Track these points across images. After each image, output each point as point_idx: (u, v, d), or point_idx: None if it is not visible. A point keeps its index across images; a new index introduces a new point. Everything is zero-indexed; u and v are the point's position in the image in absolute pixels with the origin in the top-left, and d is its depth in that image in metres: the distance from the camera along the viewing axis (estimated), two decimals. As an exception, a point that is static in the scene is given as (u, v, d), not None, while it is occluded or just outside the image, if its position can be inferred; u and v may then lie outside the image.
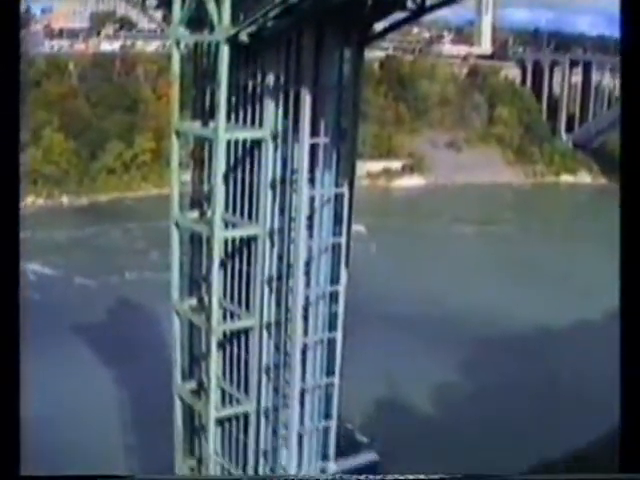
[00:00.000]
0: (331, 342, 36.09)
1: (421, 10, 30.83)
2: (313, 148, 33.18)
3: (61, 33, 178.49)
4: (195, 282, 37.44)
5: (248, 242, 34.39)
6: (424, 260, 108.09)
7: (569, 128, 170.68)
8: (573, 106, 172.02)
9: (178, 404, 38.32)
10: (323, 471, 37.91)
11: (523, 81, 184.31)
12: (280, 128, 33.19)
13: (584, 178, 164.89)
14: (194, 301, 37.43)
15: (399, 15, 32.37)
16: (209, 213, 34.91)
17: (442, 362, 73.41)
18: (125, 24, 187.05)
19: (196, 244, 36.90)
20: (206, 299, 35.76)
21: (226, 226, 34.18)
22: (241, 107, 33.75)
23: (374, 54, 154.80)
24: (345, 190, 34.88)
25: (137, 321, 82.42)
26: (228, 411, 36.32)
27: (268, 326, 35.03)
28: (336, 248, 35.16)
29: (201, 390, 37.23)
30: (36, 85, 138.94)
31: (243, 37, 31.25)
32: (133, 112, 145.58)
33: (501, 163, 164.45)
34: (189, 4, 33.56)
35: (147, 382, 65.29)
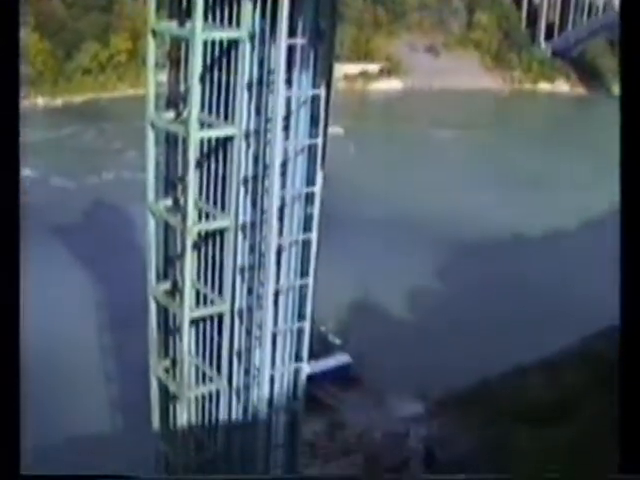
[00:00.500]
0: (306, 243, 36.29)
1: None
2: (290, 49, 32.84)
3: None
4: (171, 182, 37.22)
5: (224, 142, 34.20)
6: (401, 163, 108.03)
7: (548, 36, 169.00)
8: (553, 14, 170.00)
9: (153, 305, 38.45)
10: (297, 372, 38.49)
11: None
12: (257, 28, 32.75)
13: (562, 86, 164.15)
14: (169, 201, 37.27)
15: None
16: (185, 113, 34.64)
17: (417, 265, 73.97)
18: None
19: (172, 144, 36.59)
20: (182, 200, 35.66)
21: (202, 126, 33.93)
22: (218, 7, 33.18)
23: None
24: (322, 91, 34.66)
25: (116, 222, 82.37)
26: (202, 311, 36.51)
27: (243, 227, 35.15)
28: (312, 150, 35.09)
29: (176, 291, 37.38)
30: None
31: None
32: (109, 12, 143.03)
33: (479, 68, 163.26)
34: None
35: (124, 283, 65.68)
